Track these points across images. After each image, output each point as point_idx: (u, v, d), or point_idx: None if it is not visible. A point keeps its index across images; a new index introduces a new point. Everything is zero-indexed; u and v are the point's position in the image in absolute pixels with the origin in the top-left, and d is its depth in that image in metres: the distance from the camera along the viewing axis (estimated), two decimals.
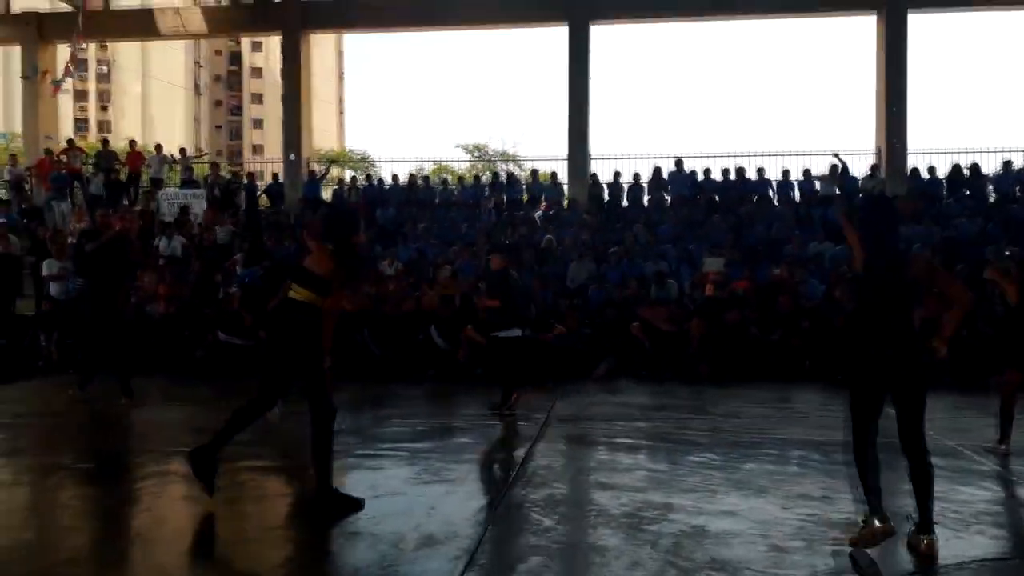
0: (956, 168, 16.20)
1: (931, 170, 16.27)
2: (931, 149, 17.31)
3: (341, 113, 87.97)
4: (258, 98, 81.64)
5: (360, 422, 7.33)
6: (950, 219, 14.70)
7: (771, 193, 16.58)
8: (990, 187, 16.14)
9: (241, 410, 4.72)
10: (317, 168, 18.17)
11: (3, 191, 18.64)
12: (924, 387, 3.90)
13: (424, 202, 16.88)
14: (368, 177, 17.55)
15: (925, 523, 3.89)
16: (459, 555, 3.90)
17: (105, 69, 73.13)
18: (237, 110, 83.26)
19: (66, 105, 73.16)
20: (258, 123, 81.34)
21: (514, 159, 33.59)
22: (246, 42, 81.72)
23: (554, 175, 17.61)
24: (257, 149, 75.40)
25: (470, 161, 33.20)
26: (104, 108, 73.71)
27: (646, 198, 17.01)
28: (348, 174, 21.22)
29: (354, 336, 10.27)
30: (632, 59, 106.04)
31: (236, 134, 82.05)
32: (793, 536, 4.18)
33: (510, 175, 17.56)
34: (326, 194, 17.91)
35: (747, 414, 7.78)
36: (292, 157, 17.94)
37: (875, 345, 3.87)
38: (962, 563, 3.85)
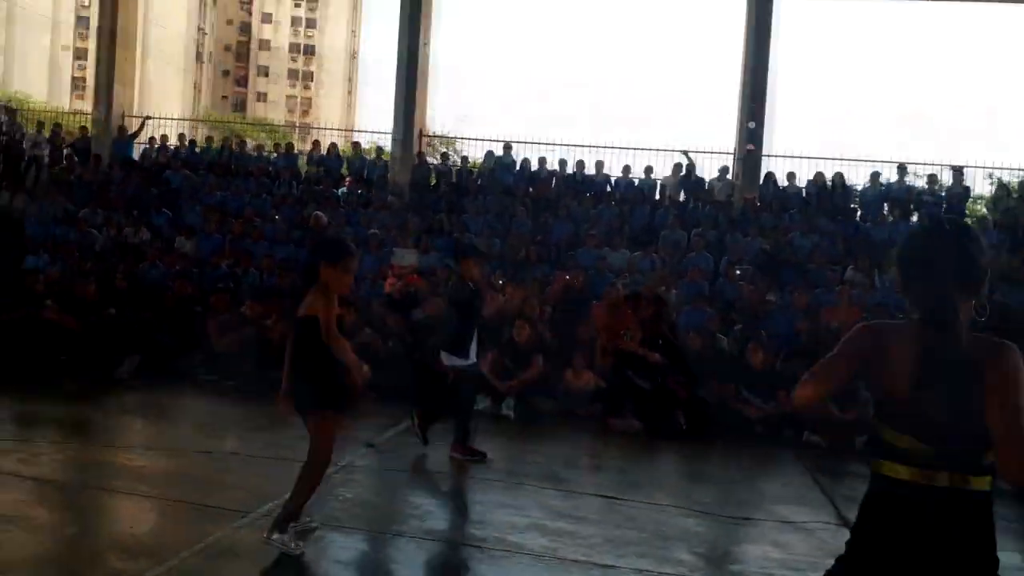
0: (818, 177, 14.01)
1: (790, 176, 14.12)
2: (792, 154, 15.08)
3: (350, 93, 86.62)
4: (264, 71, 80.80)
5: None
6: (787, 232, 12.60)
7: (609, 189, 14.59)
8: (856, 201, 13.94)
9: None
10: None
11: None
12: None
13: (228, 168, 15.17)
14: (164, 137, 15.88)
15: None
16: None
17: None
18: (243, 81, 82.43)
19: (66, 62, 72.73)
20: (262, 96, 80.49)
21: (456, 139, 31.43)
22: (256, 12, 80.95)
23: (378, 150, 15.79)
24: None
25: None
26: None
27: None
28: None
29: None
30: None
31: (240, 106, 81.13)
32: None
33: (332, 147, 15.72)
34: (136, 154, 16.24)
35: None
36: (102, 111, 16.35)
37: None
38: None
